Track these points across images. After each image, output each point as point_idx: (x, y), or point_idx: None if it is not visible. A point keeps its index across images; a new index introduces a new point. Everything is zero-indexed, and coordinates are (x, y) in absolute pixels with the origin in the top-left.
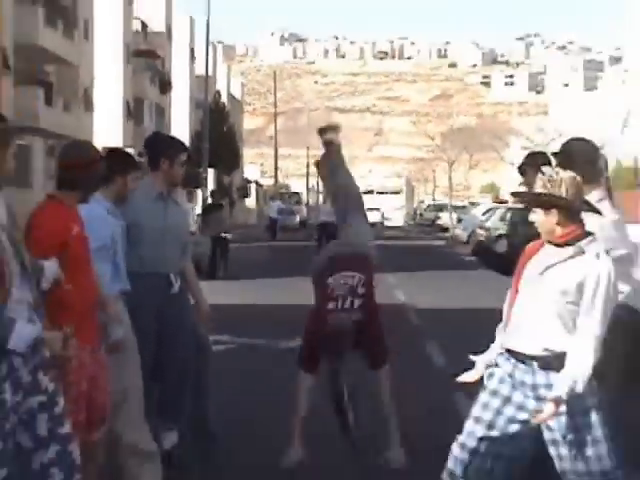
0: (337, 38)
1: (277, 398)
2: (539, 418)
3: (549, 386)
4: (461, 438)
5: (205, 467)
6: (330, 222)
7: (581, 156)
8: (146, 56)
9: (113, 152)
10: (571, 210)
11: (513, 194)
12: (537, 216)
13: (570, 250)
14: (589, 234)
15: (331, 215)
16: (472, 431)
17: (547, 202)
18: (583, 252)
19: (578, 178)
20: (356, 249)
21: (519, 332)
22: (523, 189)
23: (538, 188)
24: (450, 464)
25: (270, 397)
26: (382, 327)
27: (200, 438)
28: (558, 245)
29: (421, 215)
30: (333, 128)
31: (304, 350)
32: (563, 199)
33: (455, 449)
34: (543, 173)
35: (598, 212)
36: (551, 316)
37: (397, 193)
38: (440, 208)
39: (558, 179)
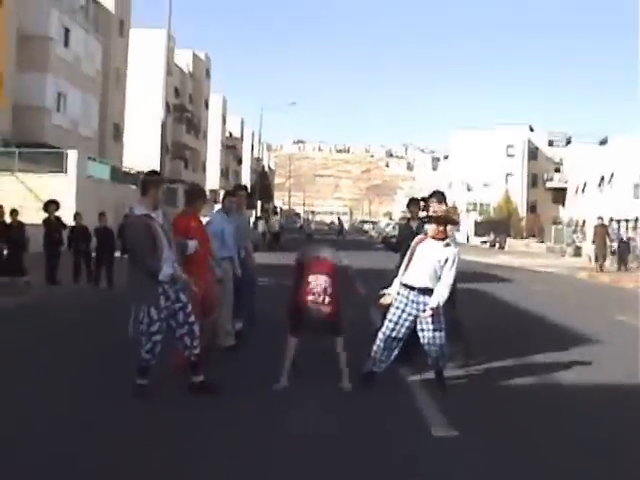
0: (320, 142)
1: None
2: (423, 316)
3: (425, 303)
4: (383, 329)
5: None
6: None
7: (441, 198)
8: (231, 148)
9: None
10: (451, 224)
11: (426, 217)
12: (432, 226)
13: (443, 242)
14: (448, 236)
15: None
16: (388, 326)
17: (448, 220)
18: (448, 244)
19: (447, 209)
20: (331, 260)
21: (414, 276)
22: (405, 214)
23: (439, 212)
24: (377, 341)
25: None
26: (342, 314)
27: (250, 325)
28: (437, 239)
29: (356, 225)
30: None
31: (290, 323)
32: (455, 220)
33: (380, 335)
34: (439, 210)
35: (457, 222)
36: (430, 271)
37: (346, 214)
38: (364, 222)
39: (452, 210)
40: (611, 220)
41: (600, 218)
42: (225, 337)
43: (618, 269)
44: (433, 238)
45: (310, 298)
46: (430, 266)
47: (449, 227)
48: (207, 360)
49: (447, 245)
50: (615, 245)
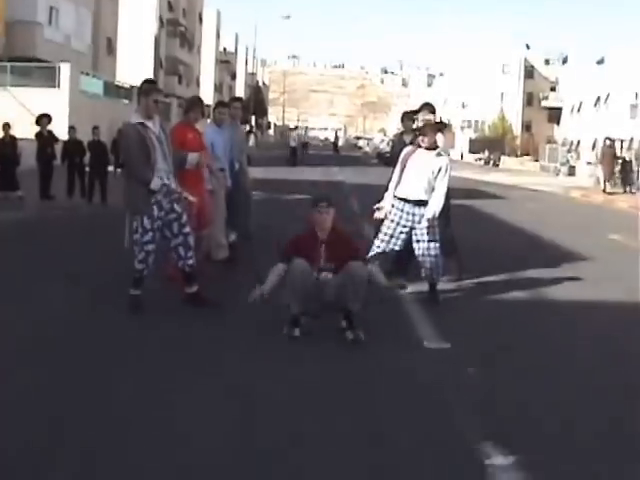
0: (314, 57)
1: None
2: (420, 227)
3: (420, 215)
4: (375, 242)
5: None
6: (294, 146)
7: (431, 106)
8: (225, 63)
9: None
10: (441, 130)
11: (424, 127)
12: (426, 137)
13: (434, 152)
14: (438, 146)
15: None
16: (383, 238)
17: (440, 127)
18: (440, 154)
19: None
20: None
21: (408, 188)
22: (399, 129)
23: (433, 121)
24: (370, 255)
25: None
26: (358, 250)
27: (245, 239)
28: (428, 149)
29: (350, 141)
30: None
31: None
32: (445, 124)
33: (373, 247)
34: (431, 119)
35: (445, 125)
36: (424, 182)
37: (340, 130)
38: (359, 138)
39: (427, 118)
40: (606, 140)
41: (609, 139)
42: (218, 249)
43: (624, 191)
44: (425, 148)
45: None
46: (423, 177)
47: (441, 140)
48: (203, 272)
49: (439, 155)
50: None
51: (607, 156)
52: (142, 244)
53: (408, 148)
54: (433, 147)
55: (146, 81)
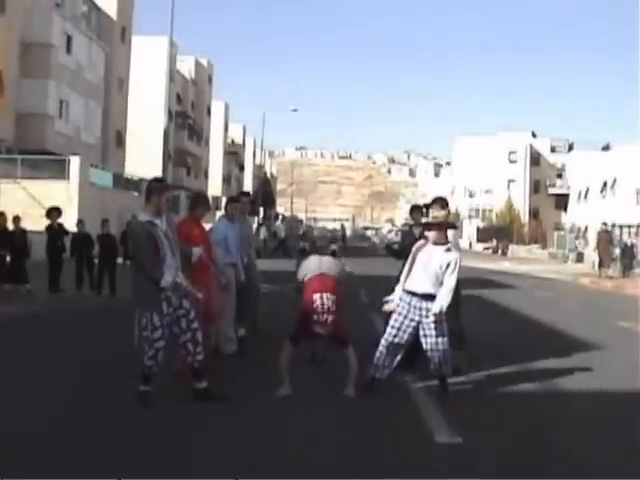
0: (322, 148)
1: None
2: (426, 322)
3: (428, 309)
4: (385, 336)
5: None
6: (282, 238)
7: (442, 204)
8: (233, 154)
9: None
10: (451, 228)
11: (432, 223)
12: (433, 233)
13: (444, 247)
14: (449, 241)
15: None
16: (390, 332)
17: (447, 225)
18: (449, 249)
19: (445, 213)
20: (333, 276)
21: (416, 282)
22: (407, 220)
23: (440, 218)
24: (380, 347)
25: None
26: (347, 329)
27: (254, 332)
28: (438, 245)
29: (358, 231)
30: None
31: (293, 334)
32: (454, 225)
33: (382, 341)
34: (439, 215)
35: (455, 227)
36: (432, 276)
37: (348, 220)
38: (367, 228)
39: (441, 214)
40: (613, 226)
41: (604, 224)
42: (227, 344)
43: (623, 276)
44: (434, 244)
45: (314, 318)
46: (432, 272)
47: (451, 233)
48: (211, 367)
49: (448, 250)
50: (617, 251)
51: (603, 241)
52: (152, 341)
53: (420, 242)
54: (442, 242)
55: (157, 179)
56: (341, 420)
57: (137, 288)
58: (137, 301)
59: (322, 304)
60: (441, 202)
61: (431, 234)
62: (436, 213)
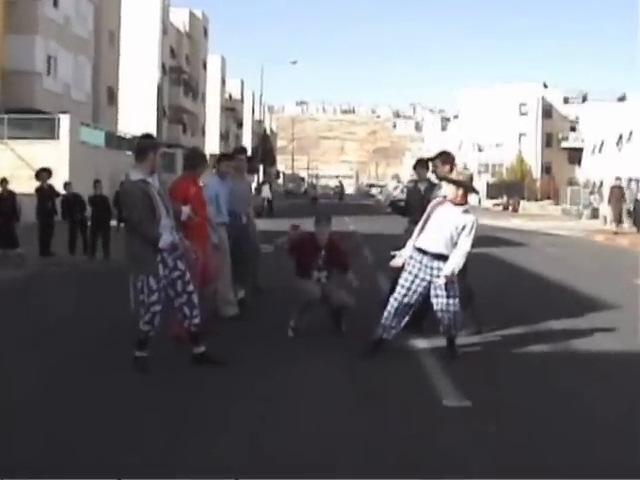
0: (323, 102)
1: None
2: (437, 283)
3: (439, 269)
4: (395, 295)
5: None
6: (291, 189)
7: (447, 158)
8: (231, 110)
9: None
10: (467, 189)
11: (445, 178)
12: (450, 188)
13: (462, 208)
14: (467, 202)
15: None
16: (400, 291)
17: (461, 184)
18: (467, 210)
19: (472, 175)
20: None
21: (429, 241)
22: (413, 176)
23: (454, 176)
24: (389, 307)
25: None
26: (347, 258)
27: (254, 292)
28: (455, 204)
29: (362, 189)
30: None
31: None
32: (468, 184)
33: (391, 300)
34: (457, 170)
35: (477, 192)
36: (446, 236)
37: (351, 178)
38: (371, 185)
39: (466, 174)
40: (630, 180)
41: (618, 179)
42: (227, 306)
43: (638, 231)
44: (452, 203)
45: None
46: (447, 232)
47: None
48: (209, 331)
49: (466, 211)
50: (631, 206)
51: (615, 196)
52: (149, 305)
53: (437, 199)
54: (461, 203)
55: (147, 135)
56: (345, 384)
57: (132, 251)
58: (132, 264)
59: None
60: (444, 156)
61: (450, 191)
62: (440, 168)
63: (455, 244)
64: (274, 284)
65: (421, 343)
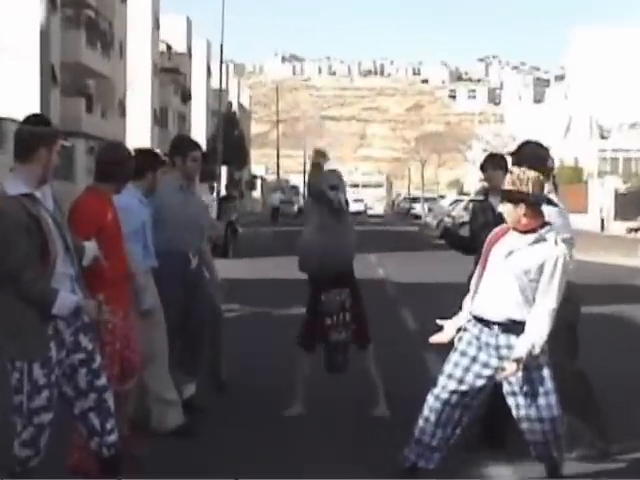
0: (329, 58)
1: (276, 353)
2: (503, 374)
3: (510, 347)
4: (435, 391)
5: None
6: (277, 206)
7: (533, 156)
8: (170, 72)
9: (144, 152)
10: (534, 204)
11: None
12: (506, 208)
13: (532, 237)
14: (547, 224)
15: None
16: (445, 385)
17: (517, 197)
18: (544, 239)
19: (541, 177)
20: (340, 267)
21: (486, 302)
22: (483, 184)
23: (507, 185)
24: (425, 411)
25: (270, 356)
26: (367, 321)
27: (214, 388)
28: (522, 232)
29: (398, 205)
30: (322, 154)
31: (301, 335)
32: (529, 195)
33: (430, 399)
34: (511, 172)
35: (556, 205)
36: (514, 290)
37: (379, 187)
38: (414, 200)
39: (525, 178)
40: None
41: None
42: (163, 412)
43: None
44: (515, 230)
45: (328, 323)
46: (513, 282)
47: (554, 210)
48: (134, 455)
49: (541, 240)
50: None
51: None
52: (30, 413)
53: (498, 228)
54: (528, 228)
55: (35, 117)
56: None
57: (5, 321)
58: (5, 343)
59: (334, 301)
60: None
61: (508, 214)
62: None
63: (533, 300)
64: (251, 371)
65: (504, 471)
